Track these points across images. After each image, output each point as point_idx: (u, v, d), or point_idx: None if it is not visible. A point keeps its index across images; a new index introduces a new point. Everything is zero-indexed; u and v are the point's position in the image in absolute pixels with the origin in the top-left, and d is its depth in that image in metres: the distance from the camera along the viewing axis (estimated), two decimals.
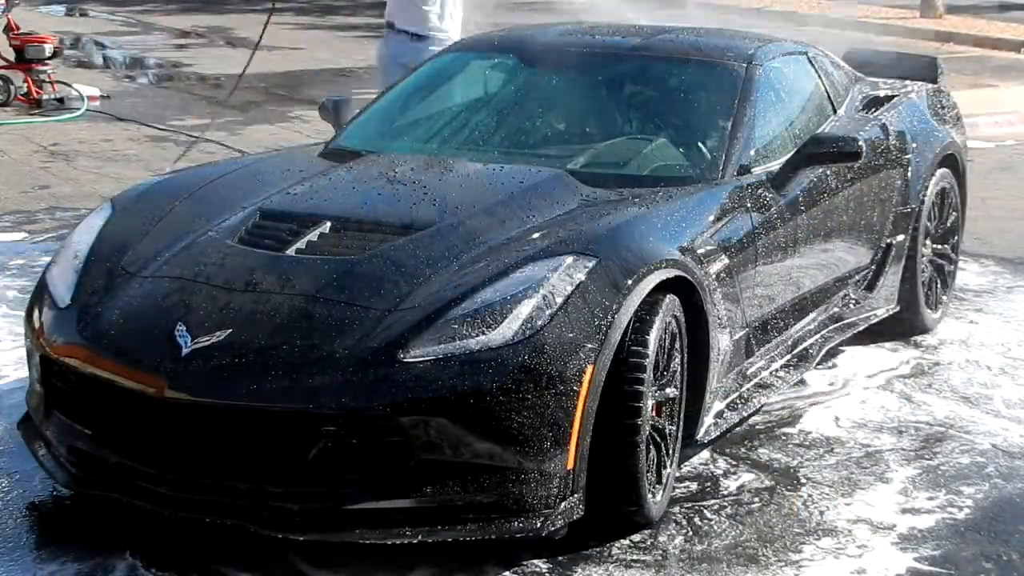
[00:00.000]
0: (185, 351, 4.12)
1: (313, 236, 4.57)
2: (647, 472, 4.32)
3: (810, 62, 6.23)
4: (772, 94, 5.72)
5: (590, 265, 4.27)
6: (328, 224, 4.62)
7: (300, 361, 4.04)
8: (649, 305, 4.32)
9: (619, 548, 4.32)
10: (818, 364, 5.78)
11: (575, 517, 4.16)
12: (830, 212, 5.69)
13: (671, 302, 4.44)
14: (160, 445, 4.15)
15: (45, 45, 12.28)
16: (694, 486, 4.81)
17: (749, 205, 5.13)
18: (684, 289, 4.53)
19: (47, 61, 12.30)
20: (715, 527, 4.52)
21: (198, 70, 14.66)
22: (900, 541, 4.46)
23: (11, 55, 12.31)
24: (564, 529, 4.15)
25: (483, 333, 4.06)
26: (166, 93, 13.38)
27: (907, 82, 7.01)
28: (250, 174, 5.26)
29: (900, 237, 6.32)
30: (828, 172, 5.65)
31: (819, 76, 6.21)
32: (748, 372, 5.13)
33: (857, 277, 6.10)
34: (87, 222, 4.98)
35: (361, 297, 4.23)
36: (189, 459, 4.11)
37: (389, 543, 4.05)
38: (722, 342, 4.80)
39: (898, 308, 6.38)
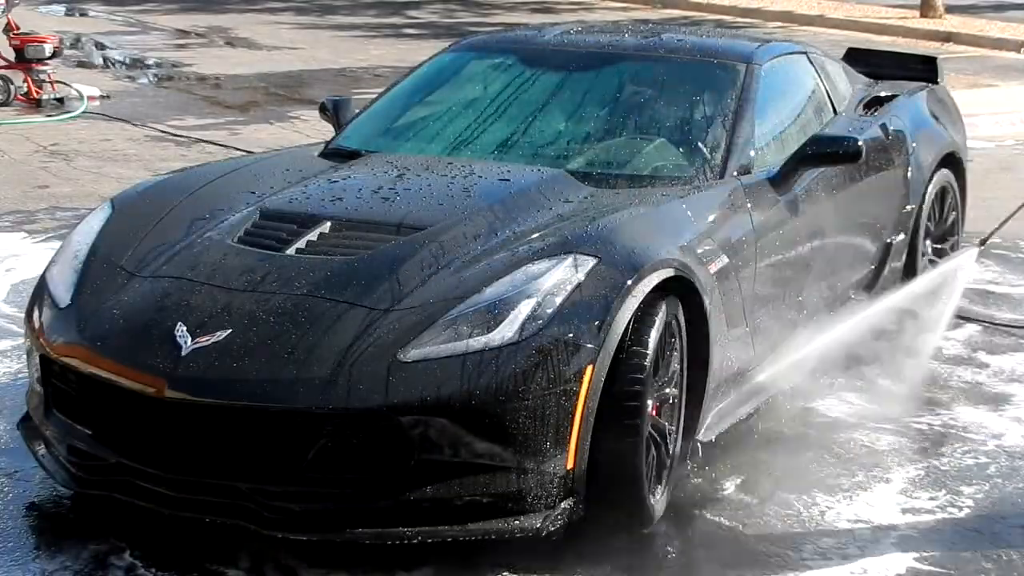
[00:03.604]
0: (185, 351, 4.12)
1: (313, 236, 4.57)
2: (647, 472, 4.32)
3: (810, 62, 6.23)
4: (772, 94, 5.72)
5: (590, 265, 4.27)
6: (328, 224, 4.62)
7: (300, 361, 4.04)
8: (649, 305, 4.32)
9: (619, 548, 4.32)
10: (818, 363, 5.77)
11: (575, 517, 4.15)
12: (830, 212, 5.68)
13: (671, 302, 4.44)
14: (160, 445, 4.15)
15: (45, 45, 12.28)
16: (694, 486, 4.81)
17: (749, 205, 5.12)
18: (684, 289, 4.52)
19: (47, 61, 12.30)
20: (715, 527, 4.52)
21: (198, 70, 14.65)
22: (900, 541, 4.46)
23: (11, 55, 12.32)
24: (564, 529, 4.15)
25: (483, 333, 4.05)
26: (166, 93, 13.38)
27: (907, 82, 7.01)
28: (250, 174, 5.26)
29: (900, 236, 6.32)
30: (828, 172, 5.65)
31: (819, 76, 6.21)
32: (748, 372, 5.13)
33: (857, 277, 6.10)
34: (87, 222, 4.98)
35: (361, 297, 4.23)
36: (189, 459, 4.11)
37: (389, 543, 4.05)
38: (722, 342, 4.79)
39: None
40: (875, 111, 6.43)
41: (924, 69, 7.21)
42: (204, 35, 17.70)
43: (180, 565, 4.16)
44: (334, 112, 6.05)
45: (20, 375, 5.59)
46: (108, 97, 12.63)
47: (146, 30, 18.19)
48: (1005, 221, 5.98)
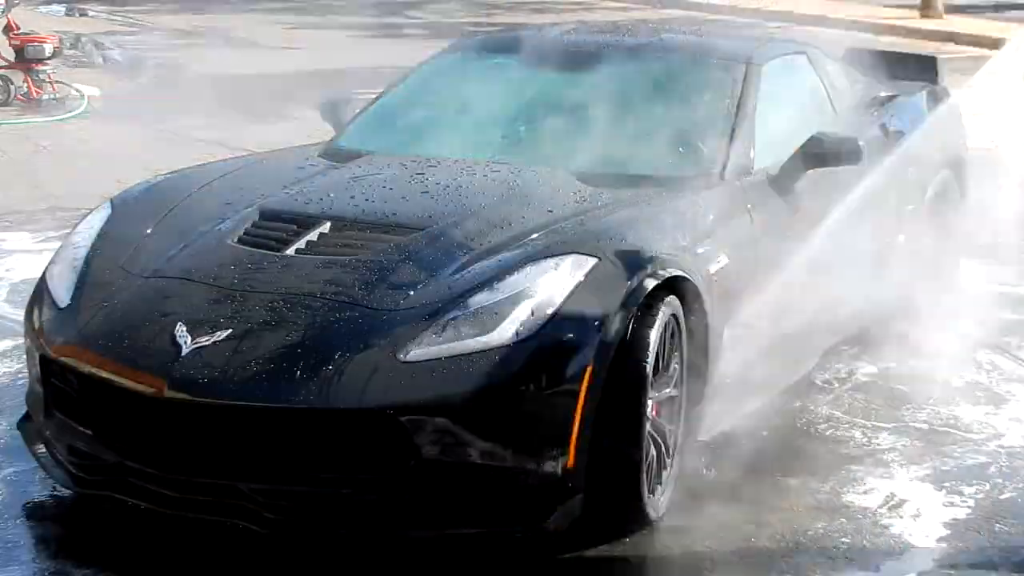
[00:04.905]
0: (185, 351, 4.12)
1: (313, 236, 4.57)
2: (647, 472, 4.32)
3: (810, 62, 6.22)
4: (772, 94, 5.72)
5: (590, 265, 4.27)
6: (328, 224, 4.62)
7: (300, 361, 4.04)
8: (649, 305, 4.32)
9: (619, 548, 4.32)
10: (818, 364, 5.77)
11: (575, 517, 4.15)
12: (829, 212, 5.68)
13: (671, 302, 4.44)
14: (160, 445, 4.15)
15: (45, 45, 12.30)
16: (694, 485, 4.80)
17: (749, 205, 5.12)
18: (684, 289, 4.52)
19: (47, 61, 12.31)
20: (715, 527, 4.52)
21: (198, 70, 14.65)
22: (901, 541, 4.46)
23: (11, 55, 12.33)
24: (564, 529, 4.15)
25: (483, 333, 4.05)
26: (166, 93, 13.38)
27: (907, 82, 7.01)
28: (250, 174, 5.26)
29: (900, 237, 6.32)
30: (828, 172, 5.65)
31: (819, 76, 6.20)
32: (748, 372, 5.13)
33: (856, 277, 6.09)
34: (87, 222, 4.98)
35: (361, 297, 4.23)
36: (189, 459, 4.11)
37: (388, 543, 4.05)
38: (722, 342, 4.79)
39: (898, 307, 6.37)
40: (875, 111, 6.43)
41: (924, 69, 7.21)
42: (204, 35, 17.70)
43: (180, 565, 4.16)
44: (334, 112, 6.05)
45: (20, 375, 5.59)
46: (108, 97, 12.63)
47: (146, 30, 18.20)
48: None
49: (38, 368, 4.58)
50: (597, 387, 4.10)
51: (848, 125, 6.06)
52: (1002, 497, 4.82)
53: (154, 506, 4.15)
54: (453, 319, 4.11)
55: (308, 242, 4.54)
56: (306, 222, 4.65)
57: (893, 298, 6.35)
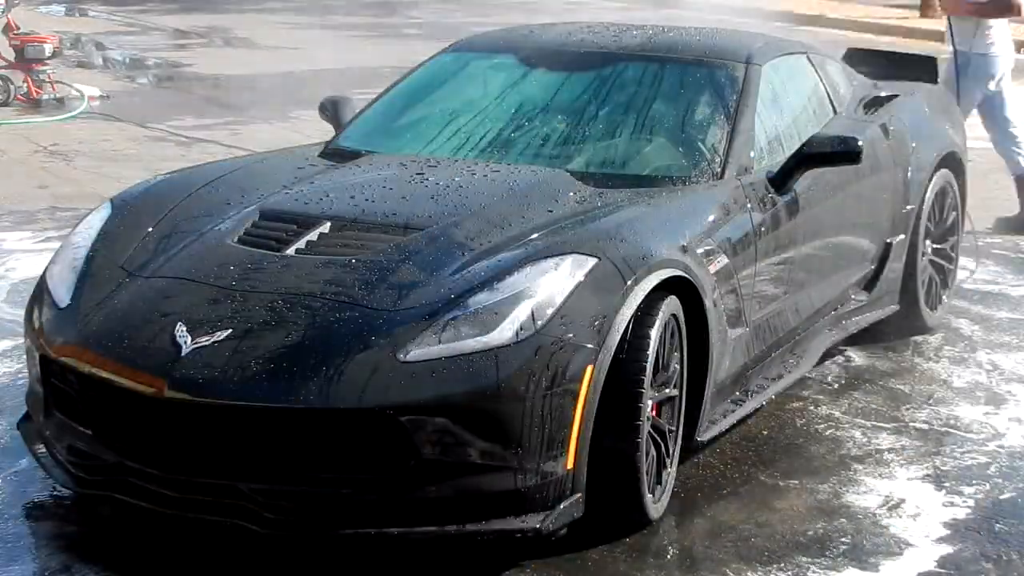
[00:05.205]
0: (185, 351, 4.12)
1: (313, 236, 4.57)
2: (647, 472, 4.32)
3: (810, 62, 6.22)
4: (772, 94, 5.72)
5: (590, 265, 4.27)
6: (328, 224, 4.62)
7: (299, 361, 4.04)
8: (649, 305, 4.32)
9: (619, 548, 4.32)
10: (818, 364, 5.78)
11: (575, 517, 4.15)
12: (829, 212, 5.68)
13: (671, 302, 4.44)
14: (160, 445, 4.15)
15: (45, 45, 12.31)
16: (694, 486, 4.81)
17: (749, 205, 5.13)
18: (684, 289, 4.53)
19: (47, 61, 12.32)
20: (715, 528, 4.52)
21: (198, 70, 14.66)
22: (900, 541, 4.46)
23: (11, 55, 12.33)
24: (564, 529, 4.15)
25: (483, 333, 4.05)
26: (166, 93, 13.39)
27: (907, 82, 7.01)
28: (250, 174, 5.26)
29: (900, 237, 6.32)
30: (828, 172, 5.65)
31: (819, 76, 6.20)
32: (748, 372, 5.13)
33: (857, 277, 6.11)
34: (87, 222, 4.98)
35: (361, 297, 4.23)
36: (189, 459, 4.11)
37: (388, 543, 4.05)
38: (722, 342, 4.80)
39: (898, 308, 6.38)
40: (875, 111, 6.43)
41: (924, 69, 7.21)
42: (204, 35, 17.71)
43: (180, 565, 4.16)
44: (334, 112, 6.05)
45: (20, 375, 5.59)
46: (108, 97, 12.64)
47: (146, 30, 18.21)
48: None
49: (38, 368, 4.58)
50: (597, 387, 4.10)
51: (848, 125, 6.07)
52: (1002, 497, 4.82)
53: (154, 506, 4.14)
54: (453, 319, 4.11)
55: (308, 242, 4.54)
56: (306, 222, 4.65)
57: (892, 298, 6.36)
